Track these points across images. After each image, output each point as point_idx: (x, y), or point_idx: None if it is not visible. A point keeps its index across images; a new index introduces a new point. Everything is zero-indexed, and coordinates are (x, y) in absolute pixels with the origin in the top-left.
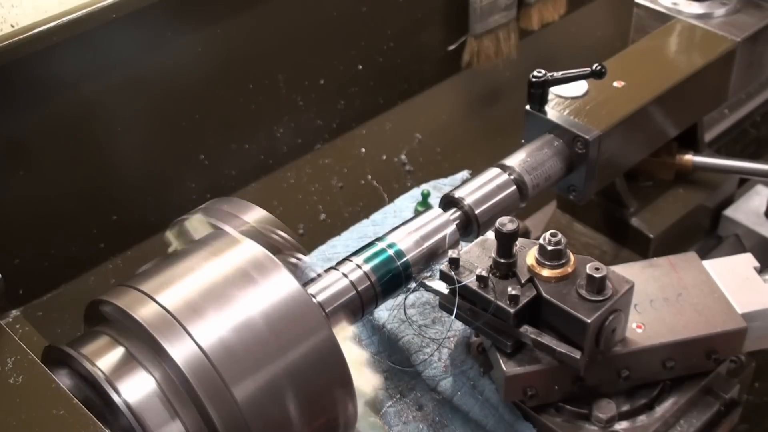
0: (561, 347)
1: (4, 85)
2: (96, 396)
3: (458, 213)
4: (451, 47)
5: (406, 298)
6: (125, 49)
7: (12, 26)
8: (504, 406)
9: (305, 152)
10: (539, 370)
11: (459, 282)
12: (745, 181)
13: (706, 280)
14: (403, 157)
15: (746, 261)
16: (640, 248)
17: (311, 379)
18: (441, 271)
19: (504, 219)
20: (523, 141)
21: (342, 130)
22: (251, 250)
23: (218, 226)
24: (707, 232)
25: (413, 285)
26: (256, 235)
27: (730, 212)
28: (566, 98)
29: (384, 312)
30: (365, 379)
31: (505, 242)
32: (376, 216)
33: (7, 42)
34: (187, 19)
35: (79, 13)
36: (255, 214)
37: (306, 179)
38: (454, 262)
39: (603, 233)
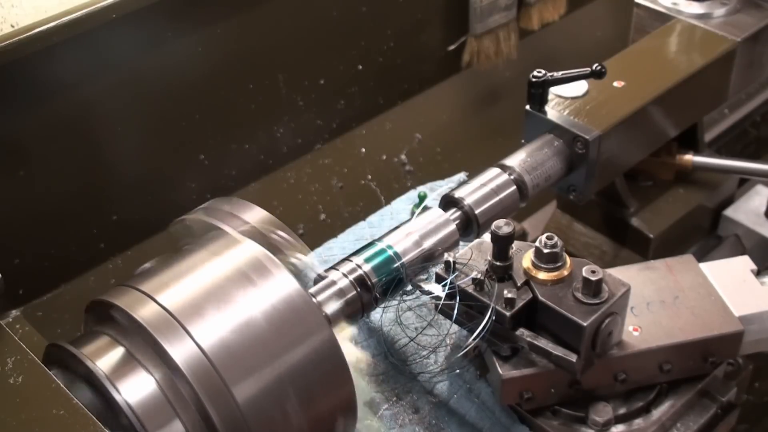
0: (557, 350)
1: (4, 85)
2: (96, 396)
3: (458, 213)
4: (451, 47)
5: (400, 302)
6: (125, 49)
7: (12, 26)
8: (500, 409)
9: (305, 152)
10: (535, 373)
11: (455, 285)
12: (745, 181)
13: (703, 282)
14: (403, 157)
15: (743, 263)
16: (640, 248)
17: (311, 379)
18: (437, 274)
19: (500, 222)
20: (523, 141)
21: (342, 130)
22: (251, 250)
23: (218, 226)
24: (707, 232)
25: (409, 288)
26: (256, 235)
27: (730, 212)
28: (566, 98)
29: (380, 314)
30: (365, 379)
31: (501, 245)
32: (373, 218)
33: (7, 42)
34: (187, 19)
35: (79, 13)
36: (255, 214)
37: (306, 179)
38: (450, 265)
39: (603, 233)
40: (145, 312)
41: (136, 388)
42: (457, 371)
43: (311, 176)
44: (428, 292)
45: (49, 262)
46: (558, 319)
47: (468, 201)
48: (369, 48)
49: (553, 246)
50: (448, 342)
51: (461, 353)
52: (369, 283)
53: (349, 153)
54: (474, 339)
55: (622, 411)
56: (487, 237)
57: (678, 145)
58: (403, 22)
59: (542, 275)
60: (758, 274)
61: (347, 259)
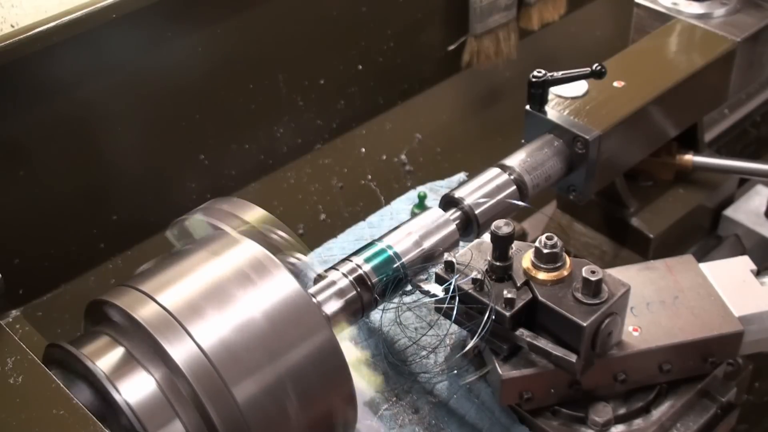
0: (557, 351)
1: (4, 85)
2: (96, 396)
3: (458, 213)
4: (451, 47)
5: (400, 302)
6: (125, 49)
7: (12, 26)
8: (500, 409)
9: (305, 152)
10: (535, 373)
11: (454, 285)
12: (745, 181)
13: (703, 282)
14: (403, 157)
15: (743, 264)
16: (640, 248)
17: (311, 379)
18: (436, 274)
19: (500, 222)
20: (523, 141)
21: (342, 130)
22: (251, 250)
23: (218, 226)
24: (707, 232)
25: (409, 288)
26: (256, 235)
27: (730, 212)
28: (566, 98)
29: (380, 314)
30: (365, 379)
31: (501, 245)
32: (373, 218)
33: (7, 42)
34: (187, 19)
35: (79, 13)
36: (255, 214)
37: (306, 179)
38: (450, 265)
39: (603, 233)
40: (145, 312)
41: (136, 388)
42: (456, 372)
43: (311, 176)
44: (428, 293)
45: (49, 262)
46: (558, 320)
47: (468, 201)
48: (369, 48)
49: (553, 246)
50: (447, 342)
51: (459, 355)
52: (369, 283)
53: (349, 153)
54: (474, 341)
55: (621, 411)
56: (486, 237)
57: (678, 145)
58: (403, 22)
59: (542, 275)
60: (758, 274)
61: (347, 259)
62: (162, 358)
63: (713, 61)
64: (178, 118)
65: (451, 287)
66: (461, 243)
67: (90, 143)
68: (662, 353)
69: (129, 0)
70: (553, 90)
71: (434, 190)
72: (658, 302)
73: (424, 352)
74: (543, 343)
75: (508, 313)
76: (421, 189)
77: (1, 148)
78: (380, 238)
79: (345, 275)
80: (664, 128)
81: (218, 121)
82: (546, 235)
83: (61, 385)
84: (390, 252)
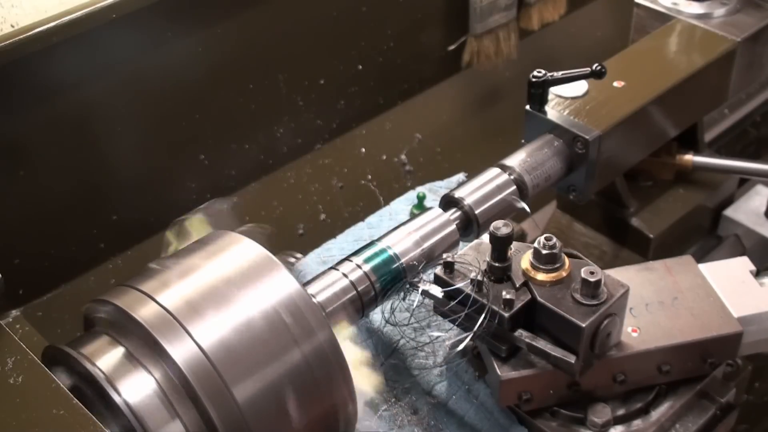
0: (556, 351)
1: (4, 85)
2: (96, 396)
3: (458, 213)
4: (451, 47)
5: (400, 302)
6: (125, 49)
7: (12, 26)
8: (499, 410)
9: (305, 152)
10: (534, 374)
11: (453, 286)
12: (745, 181)
13: (702, 283)
14: (403, 157)
15: (742, 264)
16: (640, 248)
17: (311, 379)
18: (435, 275)
19: (498, 223)
20: (523, 141)
21: (342, 130)
22: (251, 250)
23: (218, 226)
24: (707, 232)
25: (409, 288)
26: (256, 235)
27: (730, 212)
28: (566, 98)
29: (379, 315)
30: (365, 379)
31: (500, 246)
32: (372, 219)
33: (7, 42)
34: (187, 19)
35: (79, 13)
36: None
37: (306, 179)
38: (449, 266)
39: (603, 233)
40: (145, 312)
41: (136, 388)
42: (456, 369)
43: (311, 176)
44: (427, 293)
45: (49, 262)
46: (557, 320)
47: (468, 201)
48: (369, 48)
49: (552, 247)
50: (446, 343)
51: (458, 348)
52: (369, 283)
53: (349, 153)
54: (471, 335)
55: (620, 412)
56: (485, 238)
57: (678, 145)
58: (403, 22)
59: (541, 276)
60: (757, 274)
61: (347, 259)
62: (162, 358)
63: (713, 61)
64: (178, 118)
65: (451, 288)
66: (461, 243)
67: (90, 143)
68: (661, 354)
69: (129, 0)
70: (553, 90)
71: (433, 191)
72: (657, 303)
73: (422, 353)
74: (542, 344)
75: (506, 314)
76: (420, 189)
77: (1, 148)
78: (380, 239)
79: (345, 275)
80: (664, 128)
81: (218, 121)
82: (545, 235)
83: (61, 385)
84: (390, 252)
